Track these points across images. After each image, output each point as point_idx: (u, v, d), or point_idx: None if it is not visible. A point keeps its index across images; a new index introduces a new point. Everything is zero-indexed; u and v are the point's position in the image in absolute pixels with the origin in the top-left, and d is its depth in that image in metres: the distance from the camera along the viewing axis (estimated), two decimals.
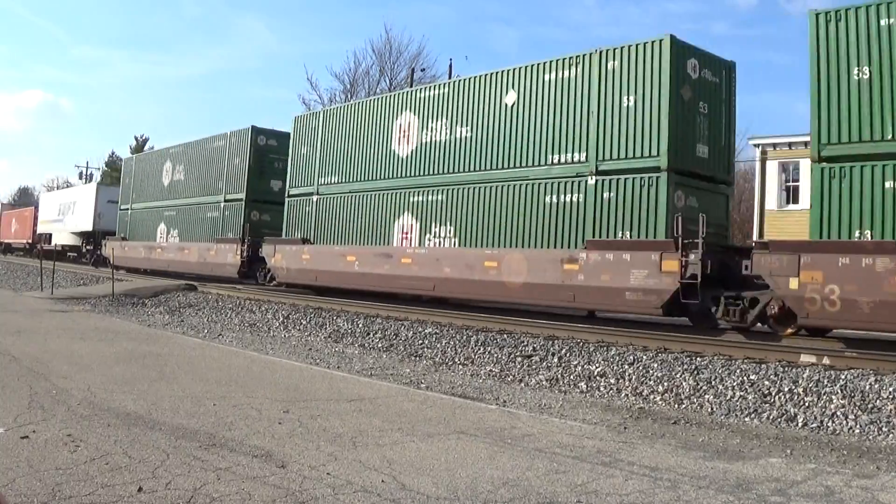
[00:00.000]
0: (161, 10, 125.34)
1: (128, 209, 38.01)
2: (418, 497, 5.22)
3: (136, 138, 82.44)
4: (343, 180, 22.80)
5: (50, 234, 51.42)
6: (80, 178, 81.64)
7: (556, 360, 12.44)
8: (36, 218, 55.88)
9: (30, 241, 55.59)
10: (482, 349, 13.55)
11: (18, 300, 22.12)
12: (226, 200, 28.65)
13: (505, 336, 14.56)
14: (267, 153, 28.01)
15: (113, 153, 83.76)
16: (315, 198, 23.74)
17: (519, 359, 12.68)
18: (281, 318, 18.31)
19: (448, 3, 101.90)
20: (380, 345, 14.63)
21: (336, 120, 23.79)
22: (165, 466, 5.60)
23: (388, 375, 11.36)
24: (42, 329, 14.47)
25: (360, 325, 16.67)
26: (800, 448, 7.49)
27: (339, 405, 8.49)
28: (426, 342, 14.50)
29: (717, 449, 7.25)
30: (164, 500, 4.89)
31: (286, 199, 24.89)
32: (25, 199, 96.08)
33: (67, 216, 48.21)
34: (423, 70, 47.80)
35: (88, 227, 43.73)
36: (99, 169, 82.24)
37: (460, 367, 12.51)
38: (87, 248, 44.59)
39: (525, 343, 13.77)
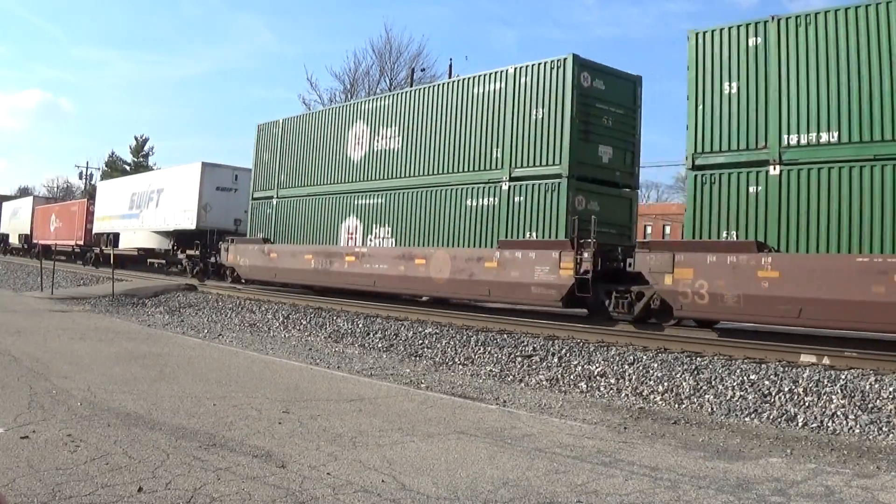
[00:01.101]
0: (160, 10, 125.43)
1: (270, 197, 26.07)
2: (418, 497, 5.22)
3: (136, 138, 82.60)
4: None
5: (115, 235, 39.35)
6: (80, 178, 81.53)
7: (556, 360, 12.44)
8: (90, 213, 43.41)
9: (81, 242, 43.73)
10: (482, 349, 13.55)
11: (18, 300, 22.13)
12: (512, 178, 17.18)
13: (505, 336, 14.56)
14: (594, 102, 16.93)
15: (113, 153, 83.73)
16: (773, 171, 13.04)
17: (519, 359, 12.68)
18: (281, 318, 18.32)
19: (447, 3, 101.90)
20: (380, 345, 14.63)
21: (824, 27, 12.63)
22: (165, 466, 5.60)
23: (388, 375, 11.37)
24: (42, 329, 14.48)
25: (360, 325, 16.67)
26: (800, 448, 7.49)
27: (339, 405, 8.49)
28: (426, 342, 14.50)
29: (718, 449, 7.25)
30: (164, 500, 4.89)
31: (689, 173, 14.38)
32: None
33: (147, 209, 35.78)
34: (423, 70, 47.63)
35: (188, 223, 31.44)
36: (99, 169, 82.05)
37: (460, 367, 12.51)
38: (187, 253, 32.33)
39: (525, 343, 13.77)
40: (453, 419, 8.02)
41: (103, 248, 40.43)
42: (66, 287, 28.08)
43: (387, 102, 21.51)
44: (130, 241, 37.56)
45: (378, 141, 21.39)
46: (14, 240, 57.87)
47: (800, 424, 8.57)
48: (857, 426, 8.32)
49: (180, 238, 33.05)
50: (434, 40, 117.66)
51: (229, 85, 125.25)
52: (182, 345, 13.60)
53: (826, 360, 11.13)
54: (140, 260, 37.98)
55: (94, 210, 42.91)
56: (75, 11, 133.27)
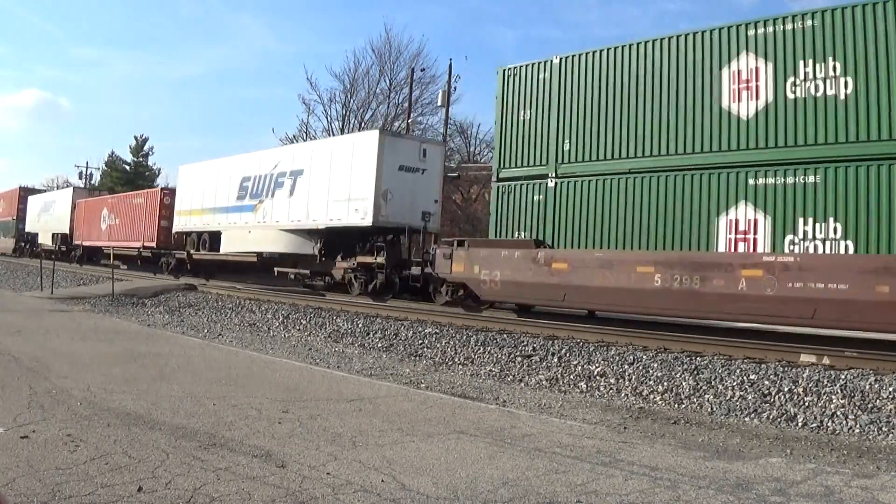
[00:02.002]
0: (159, 10, 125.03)
1: (540, 178, 17.99)
2: (418, 497, 5.22)
3: (135, 138, 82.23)
4: None
5: (212, 234, 29.58)
6: (80, 178, 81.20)
7: (555, 359, 12.44)
8: (166, 207, 33.53)
9: (153, 244, 33.97)
10: (482, 349, 13.54)
11: (18, 300, 22.14)
12: None
13: (505, 336, 14.55)
14: None
15: (112, 153, 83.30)
16: None
17: (519, 359, 12.68)
18: (281, 318, 18.30)
19: (446, 3, 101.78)
20: (379, 345, 14.62)
21: None
22: (165, 466, 5.60)
23: (387, 375, 11.36)
24: (42, 329, 14.48)
25: (360, 325, 16.66)
26: (800, 448, 7.49)
27: (338, 405, 8.49)
28: (426, 342, 14.49)
29: (717, 449, 7.25)
30: (163, 499, 4.89)
31: None
32: None
33: (273, 199, 25.75)
34: (422, 70, 47.38)
35: (358, 218, 21.90)
36: (98, 169, 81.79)
37: (460, 366, 12.50)
38: (357, 260, 22.68)
39: (525, 343, 13.76)
40: (453, 419, 8.02)
41: (191, 251, 31.01)
42: (66, 287, 28.06)
43: (810, 23, 13.79)
44: (241, 244, 27.43)
45: (796, 84, 13.92)
46: (45, 240, 47.70)
47: (800, 424, 8.57)
48: (857, 426, 8.32)
49: (334, 239, 23.65)
50: (433, 40, 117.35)
51: (229, 85, 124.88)
52: (182, 344, 13.60)
53: (826, 360, 11.13)
54: (261, 269, 27.82)
55: (177, 202, 32.78)
56: (74, 11, 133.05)
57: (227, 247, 28.40)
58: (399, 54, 50.42)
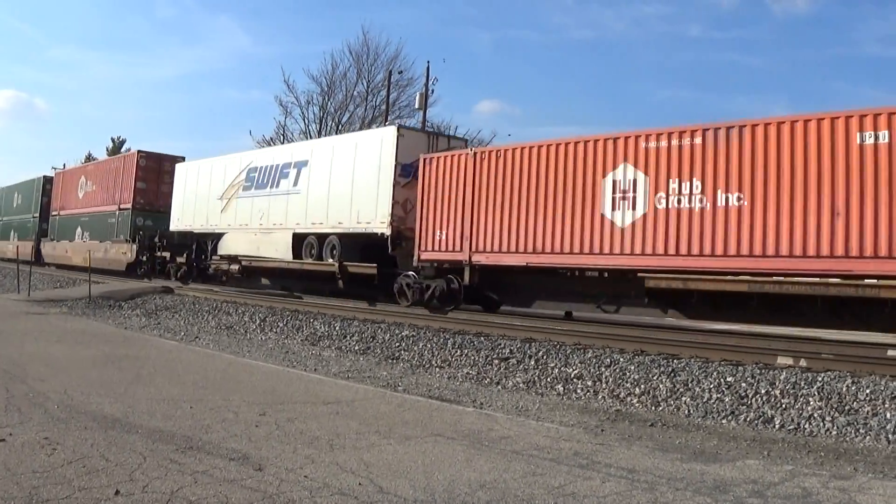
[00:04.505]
0: (135, 12, 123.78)
1: None
2: (395, 500, 5.21)
3: (112, 140, 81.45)
4: None
5: None
6: None
7: (532, 362, 12.46)
8: None
9: None
10: (459, 352, 13.54)
11: None
12: None
13: (482, 339, 14.55)
14: None
15: (90, 155, 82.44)
16: None
17: (496, 361, 12.69)
18: (258, 321, 18.22)
19: (422, 6, 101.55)
20: (357, 347, 14.59)
21: None
22: (142, 469, 5.55)
23: (364, 378, 11.34)
24: (18, 331, 14.35)
25: (337, 328, 16.61)
26: (777, 450, 7.54)
27: (315, 408, 8.46)
28: (403, 345, 14.47)
29: (695, 451, 7.29)
30: (141, 503, 4.86)
31: None
32: None
33: None
34: (400, 72, 47.14)
35: None
36: None
37: (437, 369, 12.50)
38: None
39: (502, 346, 13.76)
40: (430, 422, 8.01)
41: None
42: (43, 289, 27.81)
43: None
44: None
45: None
46: (253, 249, 25.31)
47: (777, 426, 8.64)
48: (835, 428, 8.39)
49: None
50: (410, 43, 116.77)
51: (206, 87, 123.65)
52: (159, 347, 13.51)
53: (803, 363, 11.21)
54: None
55: None
56: (51, 12, 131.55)
57: None
58: (376, 57, 50.10)
